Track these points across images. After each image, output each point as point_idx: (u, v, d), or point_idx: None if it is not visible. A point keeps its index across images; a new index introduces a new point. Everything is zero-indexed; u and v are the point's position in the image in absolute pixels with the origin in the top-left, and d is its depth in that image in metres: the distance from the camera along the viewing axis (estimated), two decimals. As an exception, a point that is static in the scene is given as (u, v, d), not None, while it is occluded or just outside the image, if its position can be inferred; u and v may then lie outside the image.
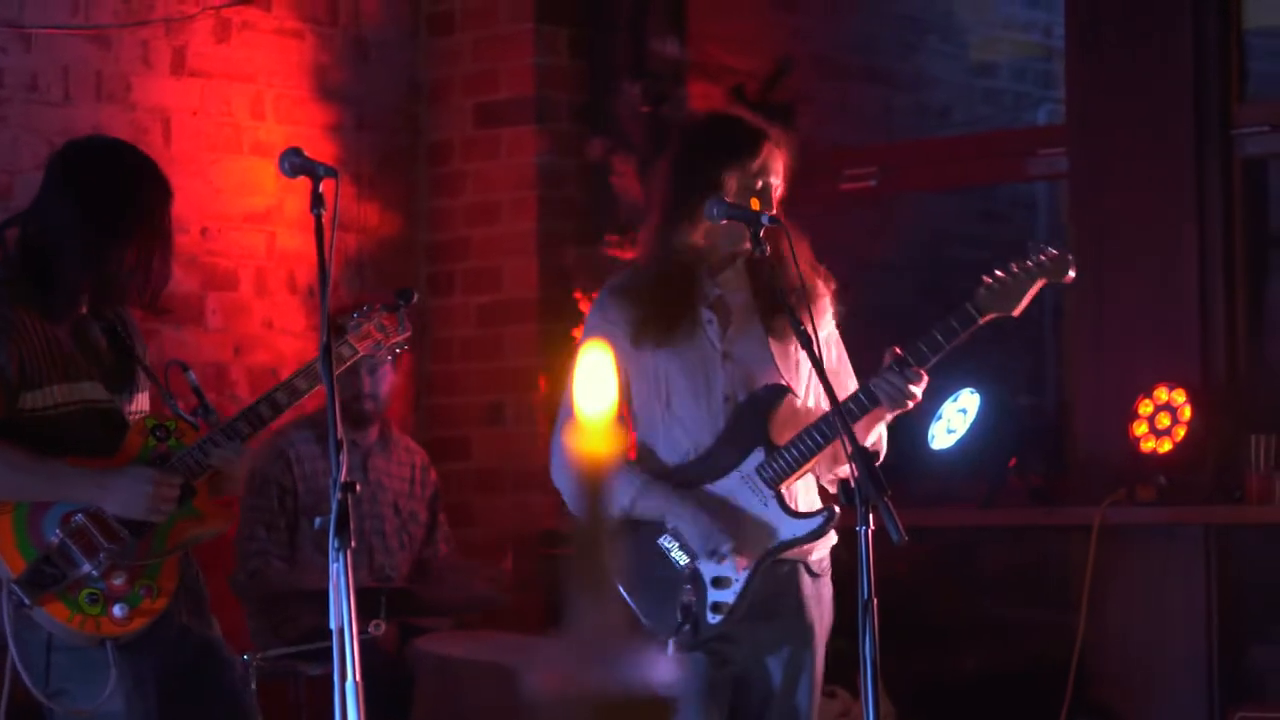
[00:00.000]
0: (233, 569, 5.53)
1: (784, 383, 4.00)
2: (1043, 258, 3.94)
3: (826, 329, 4.07)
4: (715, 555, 3.92)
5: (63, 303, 3.92)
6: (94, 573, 3.82)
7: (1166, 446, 5.50)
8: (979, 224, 7.84)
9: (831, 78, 7.42)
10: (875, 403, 3.89)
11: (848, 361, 4.15)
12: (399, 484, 5.73)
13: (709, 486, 3.98)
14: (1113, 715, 5.59)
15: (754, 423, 3.97)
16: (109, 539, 3.83)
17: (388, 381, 5.66)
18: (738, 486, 3.96)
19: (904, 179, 6.46)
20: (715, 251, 3.99)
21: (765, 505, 3.95)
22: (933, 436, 5.86)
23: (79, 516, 3.83)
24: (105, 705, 3.81)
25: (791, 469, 3.95)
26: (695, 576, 3.92)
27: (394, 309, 4.12)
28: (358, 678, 3.24)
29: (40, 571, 3.79)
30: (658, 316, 3.97)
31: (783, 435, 3.97)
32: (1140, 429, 5.53)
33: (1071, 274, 3.97)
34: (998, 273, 3.93)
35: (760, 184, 3.94)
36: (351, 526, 3.28)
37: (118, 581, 3.84)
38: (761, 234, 3.79)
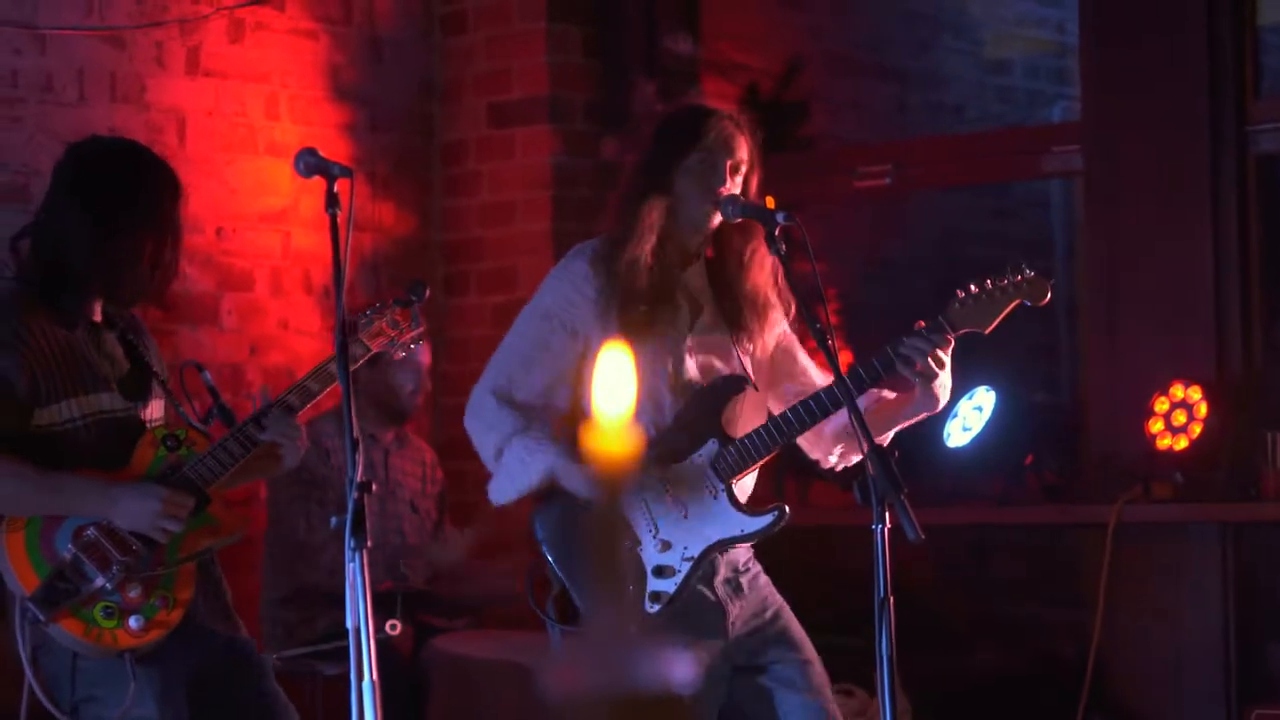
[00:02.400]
0: (262, 568, 5.52)
1: (742, 374, 3.99)
2: (1020, 278, 3.88)
3: (778, 327, 4.06)
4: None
5: (77, 304, 3.91)
6: (108, 586, 3.79)
7: (1182, 444, 5.49)
8: (992, 221, 7.84)
9: (845, 75, 7.42)
10: (876, 377, 3.87)
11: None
12: (414, 482, 5.75)
13: (659, 470, 3.93)
14: (1129, 714, 5.58)
15: (709, 412, 3.94)
16: (122, 551, 3.81)
17: None
18: (689, 475, 3.91)
19: (917, 176, 6.44)
20: (679, 239, 3.95)
21: (715, 498, 3.91)
22: (948, 434, 5.86)
23: (91, 530, 3.80)
24: (135, 711, 3.79)
25: (745, 464, 3.92)
26: (635, 565, 3.88)
27: (406, 304, 4.10)
28: (374, 677, 3.23)
29: (54, 588, 3.77)
30: (639, 307, 3.90)
31: (737, 427, 3.96)
32: (1156, 426, 5.52)
33: (1049, 297, 3.90)
34: (972, 287, 3.87)
35: (730, 163, 3.91)
36: (368, 526, 3.27)
37: (133, 594, 3.82)
38: (777, 232, 3.78)
